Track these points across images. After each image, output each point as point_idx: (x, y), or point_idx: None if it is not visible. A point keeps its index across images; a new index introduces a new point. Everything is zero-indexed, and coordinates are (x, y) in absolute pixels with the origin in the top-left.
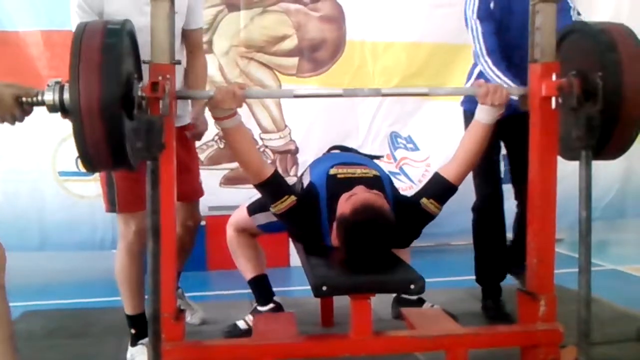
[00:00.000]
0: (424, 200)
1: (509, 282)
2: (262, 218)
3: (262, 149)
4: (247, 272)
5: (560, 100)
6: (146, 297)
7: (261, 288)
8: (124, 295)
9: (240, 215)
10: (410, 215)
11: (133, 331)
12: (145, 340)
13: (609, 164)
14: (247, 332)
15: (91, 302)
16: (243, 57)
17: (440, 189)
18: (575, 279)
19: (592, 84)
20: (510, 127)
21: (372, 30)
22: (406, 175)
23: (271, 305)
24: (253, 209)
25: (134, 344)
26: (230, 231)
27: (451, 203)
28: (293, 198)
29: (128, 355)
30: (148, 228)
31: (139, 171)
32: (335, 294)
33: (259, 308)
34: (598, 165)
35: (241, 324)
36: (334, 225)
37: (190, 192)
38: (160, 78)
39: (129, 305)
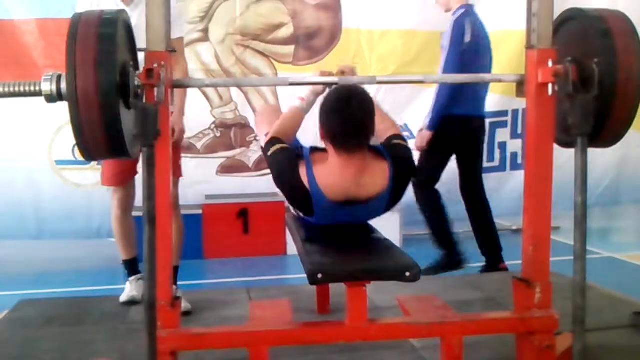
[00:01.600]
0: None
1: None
2: None
3: (258, 137)
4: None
5: (556, 87)
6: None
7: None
8: (117, 245)
9: None
10: (394, 152)
11: (126, 271)
12: (132, 277)
13: (605, 151)
14: None
15: (88, 291)
16: (239, 45)
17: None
18: (572, 267)
19: (588, 70)
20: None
21: (368, 18)
22: None
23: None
24: None
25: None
26: None
27: (447, 193)
28: (287, 145)
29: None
30: (143, 214)
31: None
32: (330, 281)
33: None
34: (594, 153)
35: None
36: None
37: None
38: (155, 65)
39: (121, 252)
